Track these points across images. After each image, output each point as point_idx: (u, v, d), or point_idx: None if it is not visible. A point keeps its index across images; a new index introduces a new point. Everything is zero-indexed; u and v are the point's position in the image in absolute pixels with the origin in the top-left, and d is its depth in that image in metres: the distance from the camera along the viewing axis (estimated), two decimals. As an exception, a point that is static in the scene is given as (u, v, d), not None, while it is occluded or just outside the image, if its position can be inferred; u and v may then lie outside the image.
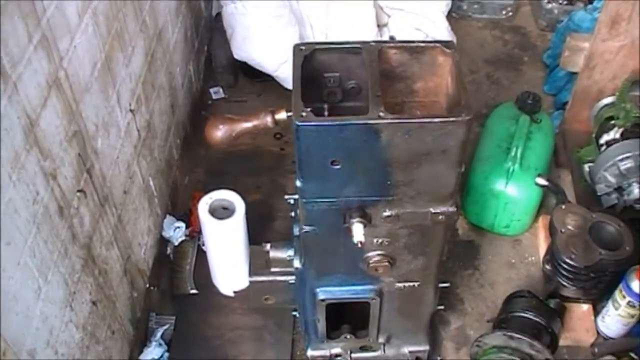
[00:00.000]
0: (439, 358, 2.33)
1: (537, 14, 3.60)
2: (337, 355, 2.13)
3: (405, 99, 1.72)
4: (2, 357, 1.41)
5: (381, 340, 2.08)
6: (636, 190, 2.40)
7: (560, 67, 2.94)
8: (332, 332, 2.03)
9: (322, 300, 1.87)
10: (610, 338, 2.32)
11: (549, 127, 2.69)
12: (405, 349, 2.15)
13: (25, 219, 1.49)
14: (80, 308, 1.79)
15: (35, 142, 1.52)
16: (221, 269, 2.34)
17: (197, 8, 3.08)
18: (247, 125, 1.69)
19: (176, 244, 2.52)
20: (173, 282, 2.46)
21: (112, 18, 1.96)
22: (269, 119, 1.66)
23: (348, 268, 1.80)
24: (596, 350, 2.26)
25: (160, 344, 2.27)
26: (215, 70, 3.18)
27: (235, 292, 2.32)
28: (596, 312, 2.36)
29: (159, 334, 2.29)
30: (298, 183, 1.59)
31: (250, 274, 1.99)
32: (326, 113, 1.67)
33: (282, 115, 1.64)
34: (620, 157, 2.44)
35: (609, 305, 2.27)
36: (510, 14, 3.66)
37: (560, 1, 3.48)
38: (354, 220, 1.60)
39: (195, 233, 2.54)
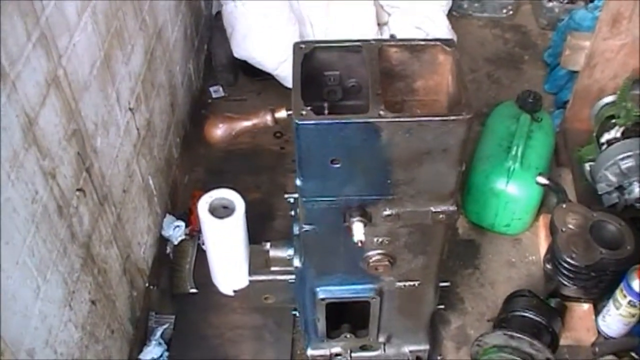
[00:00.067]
0: (439, 357, 2.33)
1: (538, 13, 3.60)
2: (337, 355, 2.13)
3: (406, 98, 1.72)
4: (0, 357, 1.40)
5: (381, 339, 2.08)
6: (637, 189, 2.40)
7: (561, 65, 2.95)
8: (332, 332, 2.03)
9: (322, 299, 1.86)
10: (611, 337, 2.32)
11: (549, 126, 2.69)
12: (406, 349, 2.14)
13: (24, 218, 1.49)
14: (79, 307, 1.79)
15: (34, 140, 1.52)
16: (221, 268, 2.34)
17: (197, 6, 3.07)
18: (247, 123, 1.69)
19: (176, 243, 2.52)
20: (173, 281, 2.46)
21: (111, 16, 1.96)
22: (268, 118, 1.66)
23: (348, 267, 1.80)
24: (597, 349, 2.26)
25: (159, 343, 2.26)
26: (215, 68, 3.18)
27: (235, 291, 2.32)
28: (597, 311, 2.36)
29: (158, 333, 2.28)
30: (298, 182, 1.59)
31: (250, 273, 1.98)
32: (326, 111, 1.67)
33: (282, 113, 1.64)
34: (621, 156, 2.44)
35: (610, 304, 2.27)
36: (511, 12, 3.65)
37: (561, 0, 3.48)
38: (354, 219, 1.60)
39: (195, 232, 2.54)
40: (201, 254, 2.45)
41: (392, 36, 3.03)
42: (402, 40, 1.73)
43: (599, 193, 2.50)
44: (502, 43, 3.54)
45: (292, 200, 1.85)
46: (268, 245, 1.96)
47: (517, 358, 2.06)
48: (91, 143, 1.84)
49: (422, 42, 1.65)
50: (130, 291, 2.18)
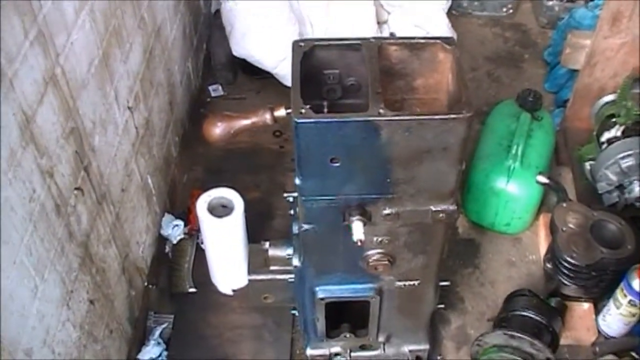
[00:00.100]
0: (439, 357, 2.32)
1: (538, 11, 3.59)
2: (336, 354, 2.12)
3: (406, 96, 1.71)
4: (-2, 357, 1.40)
5: (381, 339, 2.07)
6: (637, 189, 2.39)
7: (561, 64, 2.95)
8: (332, 331, 2.02)
9: (322, 298, 1.86)
10: (612, 337, 2.31)
11: (549, 125, 2.68)
12: (405, 348, 2.14)
13: (21, 217, 1.48)
14: (77, 307, 1.78)
15: (32, 139, 1.51)
16: (220, 268, 2.33)
17: (196, 5, 3.07)
18: (246, 122, 1.68)
19: (175, 242, 2.51)
20: (171, 281, 2.45)
21: (109, 15, 1.95)
22: (268, 117, 1.65)
23: (347, 266, 1.79)
24: (597, 349, 2.25)
25: (158, 343, 2.26)
26: (214, 67, 3.18)
27: (234, 291, 2.31)
28: (597, 311, 2.36)
29: (157, 333, 2.28)
30: (297, 181, 1.58)
31: (249, 272, 1.98)
32: (326, 110, 1.66)
33: (281, 112, 1.63)
34: (621, 155, 2.43)
35: (610, 304, 2.26)
36: (511, 11, 3.65)
37: (561, -2, 3.48)
38: (354, 218, 1.59)
39: (193, 231, 2.53)
40: (200, 253, 2.44)
41: (391, 34, 3.03)
42: (402, 39, 1.72)
43: (600, 192, 2.50)
44: (502, 42, 3.54)
45: (291, 199, 1.85)
46: (267, 244, 1.96)
47: (517, 358, 2.06)
48: (89, 142, 1.83)
49: (422, 41, 1.64)
50: (128, 290, 2.17)
